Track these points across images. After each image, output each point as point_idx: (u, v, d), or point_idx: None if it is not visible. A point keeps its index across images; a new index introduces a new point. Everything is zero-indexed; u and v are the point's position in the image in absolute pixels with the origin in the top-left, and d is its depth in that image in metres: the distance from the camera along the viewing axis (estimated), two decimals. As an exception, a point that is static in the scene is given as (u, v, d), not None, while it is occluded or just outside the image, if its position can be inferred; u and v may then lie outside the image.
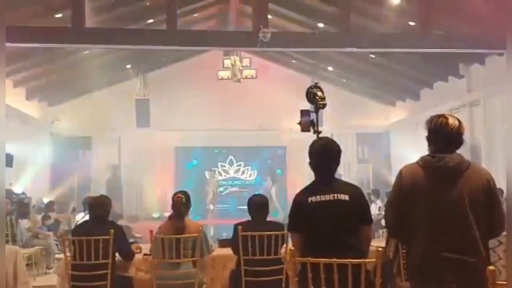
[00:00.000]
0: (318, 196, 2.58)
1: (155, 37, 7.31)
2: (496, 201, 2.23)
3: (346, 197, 2.57)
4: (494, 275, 1.65)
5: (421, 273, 2.21)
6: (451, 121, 2.30)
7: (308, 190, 2.70)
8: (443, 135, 2.28)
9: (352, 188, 2.68)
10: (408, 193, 2.28)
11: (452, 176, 2.23)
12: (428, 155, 2.31)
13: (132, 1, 9.51)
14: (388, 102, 14.46)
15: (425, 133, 2.40)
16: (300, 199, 2.66)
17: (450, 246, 2.13)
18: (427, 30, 7.39)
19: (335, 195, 2.58)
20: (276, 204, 13.26)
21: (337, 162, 2.74)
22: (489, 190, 2.24)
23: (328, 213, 2.55)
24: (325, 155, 2.72)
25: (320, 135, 3.17)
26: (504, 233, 2.25)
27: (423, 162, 2.30)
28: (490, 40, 7.50)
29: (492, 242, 2.50)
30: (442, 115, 2.33)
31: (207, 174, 14.85)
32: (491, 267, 1.67)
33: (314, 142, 2.80)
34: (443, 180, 2.22)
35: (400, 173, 2.39)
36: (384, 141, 14.50)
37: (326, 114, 10.74)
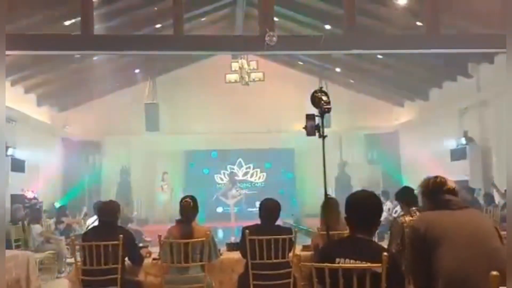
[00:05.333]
0: (347, 260, 2.32)
1: (163, 43, 7.37)
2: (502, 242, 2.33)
3: (378, 269, 2.25)
4: (497, 280, 1.65)
5: None
6: (449, 182, 2.54)
7: (337, 245, 2.55)
8: (444, 191, 2.49)
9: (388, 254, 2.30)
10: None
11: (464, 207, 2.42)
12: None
13: (140, 7, 9.60)
14: (397, 102, 14.40)
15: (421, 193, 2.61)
16: (327, 253, 2.44)
17: None
18: (435, 30, 7.34)
19: (367, 262, 2.27)
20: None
21: (375, 219, 2.47)
22: (498, 231, 2.34)
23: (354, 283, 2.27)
24: (362, 210, 2.46)
25: (326, 138, 3.20)
26: (504, 232, 2.27)
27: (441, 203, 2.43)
28: (499, 39, 7.42)
29: None
30: (437, 177, 2.58)
31: (216, 177, 14.92)
32: (494, 272, 1.67)
33: (352, 194, 2.58)
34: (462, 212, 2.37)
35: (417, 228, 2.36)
36: (393, 142, 14.42)
37: (334, 115, 10.77)
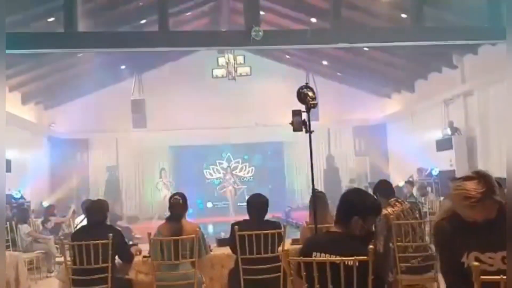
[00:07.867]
0: (323, 254, 2.30)
1: (148, 39, 7.31)
2: None
3: (352, 263, 2.20)
4: (478, 270, 1.70)
5: None
6: None
7: (316, 240, 2.55)
8: None
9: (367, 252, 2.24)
10: None
11: None
12: None
13: (124, 2, 9.50)
14: (383, 94, 14.49)
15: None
16: (306, 248, 2.43)
17: None
18: (419, 22, 7.40)
19: (343, 258, 2.22)
20: None
21: (356, 215, 2.32)
22: None
23: (331, 279, 2.25)
24: (342, 204, 2.41)
25: (312, 133, 3.23)
26: None
27: None
28: (482, 30, 7.52)
29: None
30: None
31: (205, 172, 14.91)
32: (475, 263, 1.72)
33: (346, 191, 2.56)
34: None
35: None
36: (380, 133, 14.56)
37: (322, 108, 10.81)
